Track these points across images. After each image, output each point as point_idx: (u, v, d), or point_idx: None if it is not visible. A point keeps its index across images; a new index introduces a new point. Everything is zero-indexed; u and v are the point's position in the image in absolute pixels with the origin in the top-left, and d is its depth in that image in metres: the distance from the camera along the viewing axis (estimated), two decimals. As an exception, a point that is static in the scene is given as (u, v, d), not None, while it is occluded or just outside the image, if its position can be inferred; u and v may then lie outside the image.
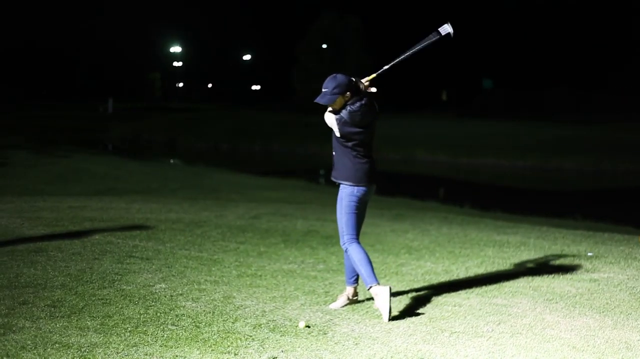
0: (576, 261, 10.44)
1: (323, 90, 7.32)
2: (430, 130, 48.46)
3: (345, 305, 7.55)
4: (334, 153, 7.47)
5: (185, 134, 55.90)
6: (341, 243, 7.50)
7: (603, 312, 7.68)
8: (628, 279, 9.25)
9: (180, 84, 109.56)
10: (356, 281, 7.65)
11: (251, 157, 47.15)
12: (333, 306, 7.51)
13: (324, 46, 78.61)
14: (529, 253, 11.00)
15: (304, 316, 7.15)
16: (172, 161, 42.59)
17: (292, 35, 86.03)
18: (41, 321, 6.58)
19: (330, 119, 7.33)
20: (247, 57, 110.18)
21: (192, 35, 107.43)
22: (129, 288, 7.87)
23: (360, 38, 77.70)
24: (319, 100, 7.32)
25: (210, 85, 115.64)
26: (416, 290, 8.26)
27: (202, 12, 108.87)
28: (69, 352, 5.85)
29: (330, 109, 7.38)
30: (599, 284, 8.89)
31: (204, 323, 6.76)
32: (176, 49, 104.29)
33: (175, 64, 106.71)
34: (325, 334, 6.66)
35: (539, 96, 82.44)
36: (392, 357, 6.14)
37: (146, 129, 59.73)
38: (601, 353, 6.39)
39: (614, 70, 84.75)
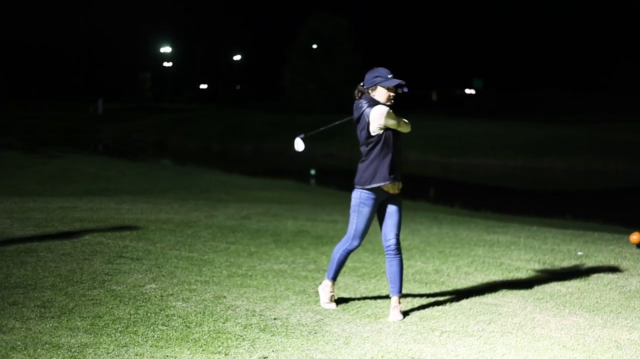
0: (566, 260, 10.48)
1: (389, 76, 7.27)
2: (421, 130, 48.36)
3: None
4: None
5: (176, 135, 55.87)
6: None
7: (593, 311, 7.71)
8: (618, 278, 9.29)
9: (170, 85, 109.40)
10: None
11: (242, 158, 47.14)
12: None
13: (314, 46, 78.60)
14: (519, 253, 11.03)
15: (294, 316, 7.15)
16: (162, 161, 42.54)
17: (283, 35, 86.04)
18: (31, 321, 6.56)
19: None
20: (237, 57, 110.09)
21: (182, 35, 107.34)
22: (119, 288, 7.85)
23: (350, 38, 77.70)
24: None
25: (205, 86, 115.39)
26: (406, 289, 8.26)
27: (192, 12, 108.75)
28: (59, 352, 5.84)
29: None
30: (589, 283, 8.92)
31: (194, 323, 6.75)
32: (166, 49, 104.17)
33: (166, 64, 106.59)
34: (315, 333, 6.66)
35: (530, 96, 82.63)
36: (382, 356, 6.14)
37: (137, 130, 59.67)
38: (591, 351, 6.41)
39: (605, 71, 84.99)
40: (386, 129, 7.19)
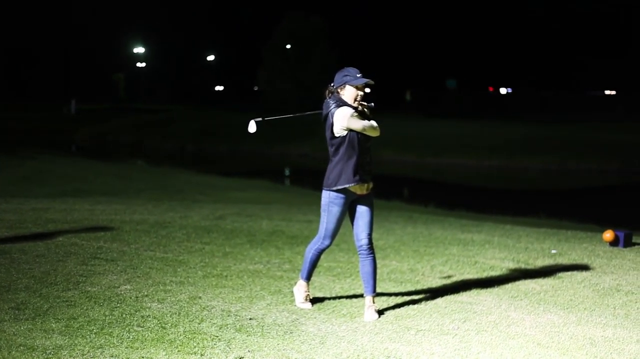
0: (540, 259, 10.54)
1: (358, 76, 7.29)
2: (396, 130, 48.63)
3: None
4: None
5: (151, 135, 55.67)
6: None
7: (567, 308, 7.76)
8: (591, 275, 9.35)
9: (142, 85, 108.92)
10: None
11: (217, 158, 47.03)
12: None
13: (289, 46, 78.58)
14: (493, 251, 11.08)
15: (270, 316, 7.15)
16: (136, 158, 42.40)
17: (258, 36, 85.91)
18: (5, 323, 6.51)
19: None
20: (210, 57, 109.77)
21: (155, 36, 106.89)
22: (94, 289, 7.82)
23: (325, 38, 77.75)
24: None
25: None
26: (382, 289, 8.28)
27: (166, 12, 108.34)
28: (33, 354, 5.80)
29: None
30: (563, 281, 8.98)
31: (169, 324, 6.74)
32: (140, 49, 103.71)
33: (139, 64, 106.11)
34: (291, 333, 6.66)
35: (504, 96, 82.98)
36: (358, 356, 6.15)
37: (111, 130, 59.41)
38: (565, 349, 6.45)
39: (578, 71, 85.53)
40: (350, 130, 7.19)
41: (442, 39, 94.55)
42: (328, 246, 7.54)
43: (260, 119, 7.75)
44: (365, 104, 7.41)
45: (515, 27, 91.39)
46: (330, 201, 7.33)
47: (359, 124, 7.19)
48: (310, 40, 77.42)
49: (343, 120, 7.14)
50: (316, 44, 77.23)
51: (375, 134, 7.35)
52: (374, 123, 7.34)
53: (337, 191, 7.27)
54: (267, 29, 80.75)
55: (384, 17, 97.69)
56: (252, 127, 7.75)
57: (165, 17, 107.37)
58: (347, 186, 7.21)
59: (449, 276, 9.21)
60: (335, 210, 7.33)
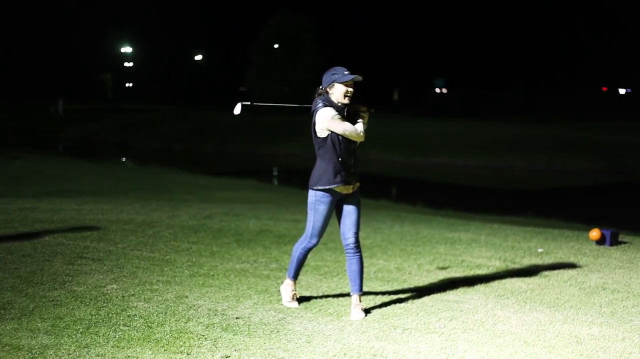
0: (527, 257, 10.56)
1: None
2: (384, 129, 48.66)
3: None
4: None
5: (139, 135, 55.57)
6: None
7: (553, 307, 7.78)
8: (578, 274, 9.38)
9: (131, 85, 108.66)
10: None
11: (205, 158, 46.97)
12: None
13: (276, 46, 78.53)
14: (480, 250, 11.10)
15: (257, 315, 7.14)
16: (123, 158, 42.31)
17: (245, 35, 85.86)
18: (-10, 323, 6.50)
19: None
20: (198, 57, 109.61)
21: (143, 35, 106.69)
22: (80, 289, 7.80)
23: (312, 38, 77.74)
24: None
25: (168, 86, 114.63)
26: (369, 288, 8.28)
27: (153, 12, 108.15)
28: (19, 354, 5.79)
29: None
30: (549, 280, 9.00)
31: (156, 323, 6.72)
32: (127, 49, 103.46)
33: (127, 64, 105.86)
34: (278, 332, 6.66)
35: (492, 96, 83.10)
36: (345, 354, 6.15)
37: (99, 130, 59.27)
38: (552, 347, 6.46)
39: (564, 70, 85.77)
40: (332, 132, 7.18)
41: (430, 38, 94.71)
42: (315, 245, 7.54)
43: (248, 102, 7.76)
44: (365, 109, 7.39)
45: (503, 26, 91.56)
46: (316, 200, 7.32)
47: (339, 127, 7.14)
48: (297, 39, 77.39)
49: (324, 121, 7.12)
50: (303, 44, 77.21)
51: (357, 139, 7.27)
52: (359, 128, 7.24)
53: (322, 190, 7.27)
54: (254, 29, 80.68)
55: (372, 16, 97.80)
56: (237, 109, 7.76)
57: (153, 17, 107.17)
58: (328, 186, 7.21)
59: (436, 275, 9.22)
60: (322, 209, 7.32)
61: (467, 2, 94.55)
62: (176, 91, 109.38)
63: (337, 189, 7.25)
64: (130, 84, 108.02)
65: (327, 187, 7.22)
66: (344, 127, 7.16)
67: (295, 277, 7.67)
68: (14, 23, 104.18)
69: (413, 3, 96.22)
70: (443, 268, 9.71)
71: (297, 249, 7.58)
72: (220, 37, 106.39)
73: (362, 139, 7.31)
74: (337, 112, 7.16)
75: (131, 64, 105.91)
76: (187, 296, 7.70)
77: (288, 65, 76.99)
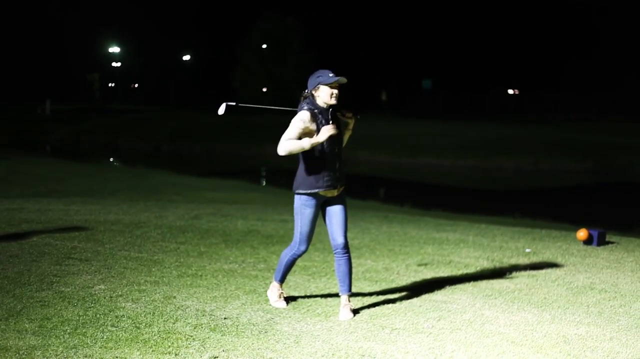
0: (514, 257, 10.59)
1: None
2: (371, 130, 48.72)
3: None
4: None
5: (126, 136, 55.46)
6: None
7: (541, 307, 7.79)
8: (565, 274, 9.40)
9: (118, 85, 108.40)
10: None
11: (193, 159, 46.92)
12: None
13: (264, 46, 78.52)
14: (468, 250, 11.12)
15: (245, 316, 7.14)
16: (111, 159, 42.21)
17: (233, 36, 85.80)
18: (-23, 324, 6.47)
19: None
20: (186, 57, 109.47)
21: (131, 35, 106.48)
22: (68, 289, 7.78)
23: (300, 39, 77.76)
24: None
25: (156, 86, 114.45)
26: (357, 288, 8.28)
27: (141, 12, 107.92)
28: (7, 355, 5.76)
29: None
30: (537, 280, 9.03)
31: (144, 324, 6.71)
32: (115, 49, 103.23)
33: (114, 64, 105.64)
34: (266, 332, 6.65)
35: (480, 97, 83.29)
36: (333, 354, 6.15)
37: (86, 131, 59.13)
38: (539, 346, 6.47)
39: (554, 71, 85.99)
40: (305, 134, 7.13)
41: (417, 39, 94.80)
42: (304, 252, 7.49)
43: (233, 103, 7.72)
44: (351, 115, 7.37)
45: (490, 28, 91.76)
46: (302, 204, 7.30)
47: (291, 131, 7.02)
48: (285, 40, 77.42)
49: (292, 123, 7.06)
50: (291, 44, 77.23)
51: (281, 152, 7.05)
52: (304, 143, 6.99)
53: (306, 194, 7.26)
54: (242, 29, 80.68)
55: (360, 17, 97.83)
56: (221, 109, 7.73)
57: (141, 17, 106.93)
58: (309, 191, 7.20)
59: (424, 275, 9.23)
60: (308, 212, 7.29)
61: (455, 3, 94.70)
62: (164, 92, 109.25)
63: (322, 193, 7.23)
64: (118, 85, 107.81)
65: (308, 191, 7.19)
66: (289, 134, 7.01)
67: (282, 281, 7.67)
68: (0, 23, 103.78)
69: (402, 4, 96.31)
70: (423, 264, 9.75)
71: (286, 255, 7.56)
72: (208, 37, 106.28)
73: (283, 154, 7.06)
74: (309, 119, 7.07)
75: (119, 64, 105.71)
76: (175, 297, 7.69)
77: (276, 66, 76.99)
